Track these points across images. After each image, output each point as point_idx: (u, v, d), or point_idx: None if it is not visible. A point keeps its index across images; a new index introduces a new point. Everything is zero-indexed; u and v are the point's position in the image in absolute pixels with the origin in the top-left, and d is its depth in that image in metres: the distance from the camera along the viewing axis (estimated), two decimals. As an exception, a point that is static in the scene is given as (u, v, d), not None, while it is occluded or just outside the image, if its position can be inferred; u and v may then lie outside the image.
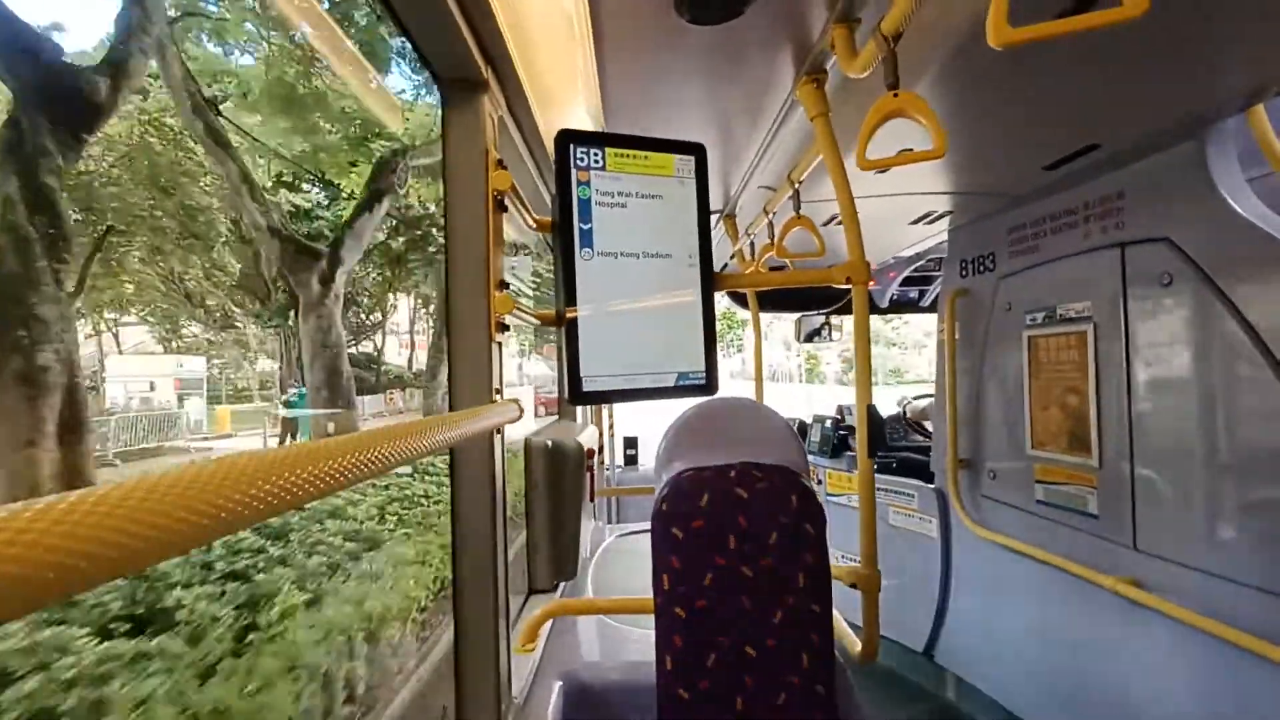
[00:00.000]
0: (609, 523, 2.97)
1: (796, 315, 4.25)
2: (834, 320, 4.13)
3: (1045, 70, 1.30)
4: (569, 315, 1.14)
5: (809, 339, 4.13)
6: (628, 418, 4.08)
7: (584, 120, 1.43)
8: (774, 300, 3.88)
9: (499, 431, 1.00)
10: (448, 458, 1.00)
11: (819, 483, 3.51)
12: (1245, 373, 1.48)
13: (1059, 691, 2.11)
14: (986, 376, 2.46)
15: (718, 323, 1.33)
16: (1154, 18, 1.12)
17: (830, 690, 1.02)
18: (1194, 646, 1.61)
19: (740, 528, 1.02)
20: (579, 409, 2.42)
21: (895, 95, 0.97)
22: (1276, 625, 1.40)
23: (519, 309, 1.14)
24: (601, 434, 2.93)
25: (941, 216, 2.48)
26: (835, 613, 1.46)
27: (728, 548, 1.01)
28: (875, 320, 4.19)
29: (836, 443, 3.46)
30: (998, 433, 2.40)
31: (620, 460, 3.86)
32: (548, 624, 1.46)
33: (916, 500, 2.88)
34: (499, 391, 1.00)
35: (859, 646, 1.31)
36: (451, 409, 0.95)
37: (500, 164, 0.99)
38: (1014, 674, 2.33)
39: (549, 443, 1.57)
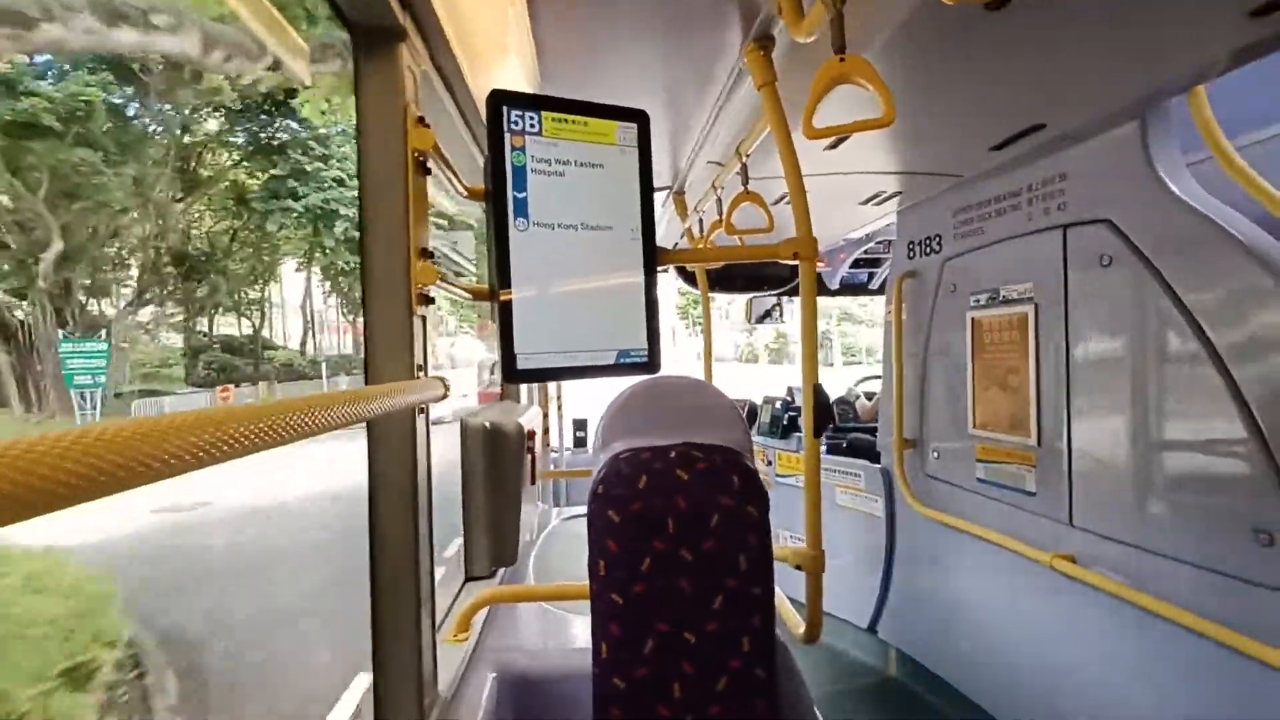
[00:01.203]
0: (555, 505, 2.93)
1: (749, 296, 4.25)
2: (786, 302, 4.15)
3: (994, 46, 1.28)
4: (502, 290, 1.08)
5: (761, 320, 4.14)
6: (578, 399, 4.02)
7: (521, 85, 1.35)
8: (726, 280, 3.86)
9: (422, 410, 0.93)
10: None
11: (769, 464, 3.53)
12: (1179, 353, 1.51)
13: (995, 664, 2.17)
14: (932, 358, 2.49)
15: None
16: (1117, 2, 1.11)
17: (771, 673, 0.99)
18: (1125, 619, 1.66)
19: (680, 510, 0.98)
20: (523, 389, 2.35)
21: (842, 60, 0.93)
22: (1202, 598, 1.45)
23: (447, 282, 1.07)
24: (548, 415, 2.86)
25: (891, 197, 2.49)
26: (779, 593, 1.45)
27: (667, 531, 0.97)
28: (844, 299, 4.24)
29: (786, 424, 3.48)
30: (942, 413, 2.44)
31: (570, 443, 3.80)
32: (483, 614, 1.41)
33: (863, 480, 2.92)
34: (422, 368, 0.93)
35: (803, 627, 1.30)
36: (367, 385, 0.88)
37: (422, 122, 0.91)
38: (952, 648, 2.40)
39: (486, 424, 1.50)
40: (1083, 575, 1.73)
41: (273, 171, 19.84)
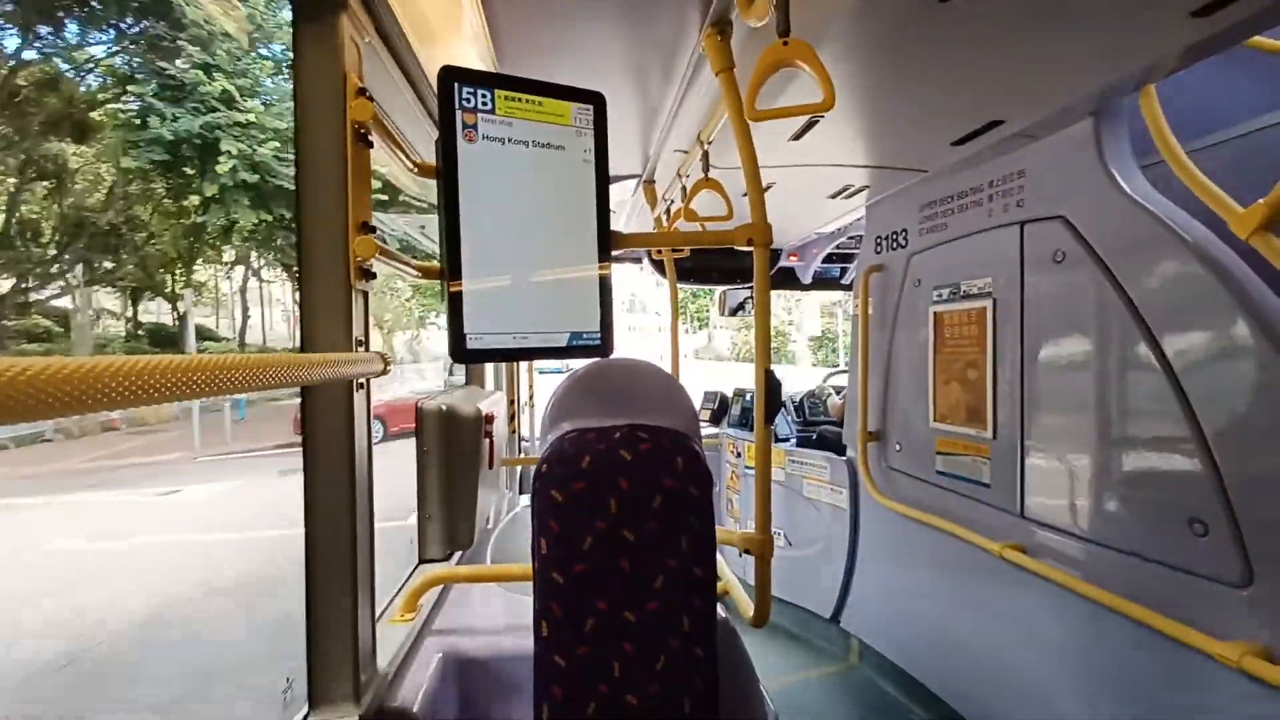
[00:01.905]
0: (521, 492, 2.92)
1: (723, 288, 4.26)
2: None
3: (950, 39, 1.29)
4: (452, 269, 1.07)
5: (734, 312, 4.15)
6: (551, 389, 4.00)
7: (476, 64, 1.34)
8: (700, 273, 3.87)
9: (361, 386, 0.92)
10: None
11: (738, 455, 3.55)
12: (1127, 349, 1.55)
13: (952, 654, 2.21)
14: (897, 352, 2.52)
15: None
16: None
17: (710, 653, 1.00)
18: (1072, 608, 1.70)
19: (622, 491, 0.98)
20: (489, 374, 2.34)
21: (785, 43, 0.93)
22: (1144, 587, 1.49)
23: (394, 259, 1.06)
24: (516, 400, 2.85)
25: (859, 191, 2.51)
26: (731, 577, 1.45)
27: (609, 511, 0.98)
28: (836, 293, 4.27)
29: (756, 416, 3.50)
30: (905, 406, 2.47)
31: (540, 432, 3.78)
32: (434, 595, 1.40)
33: (829, 472, 2.95)
34: (362, 343, 0.92)
35: (752, 610, 1.31)
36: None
37: (364, 93, 0.90)
38: (910, 638, 2.44)
39: (442, 407, 1.50)
40: (1031, 565, 1.77)
41: (132, 89, 14.89)
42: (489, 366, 2.41)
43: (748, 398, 3.60)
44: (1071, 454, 1.71)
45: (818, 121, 1.73)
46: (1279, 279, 1.28)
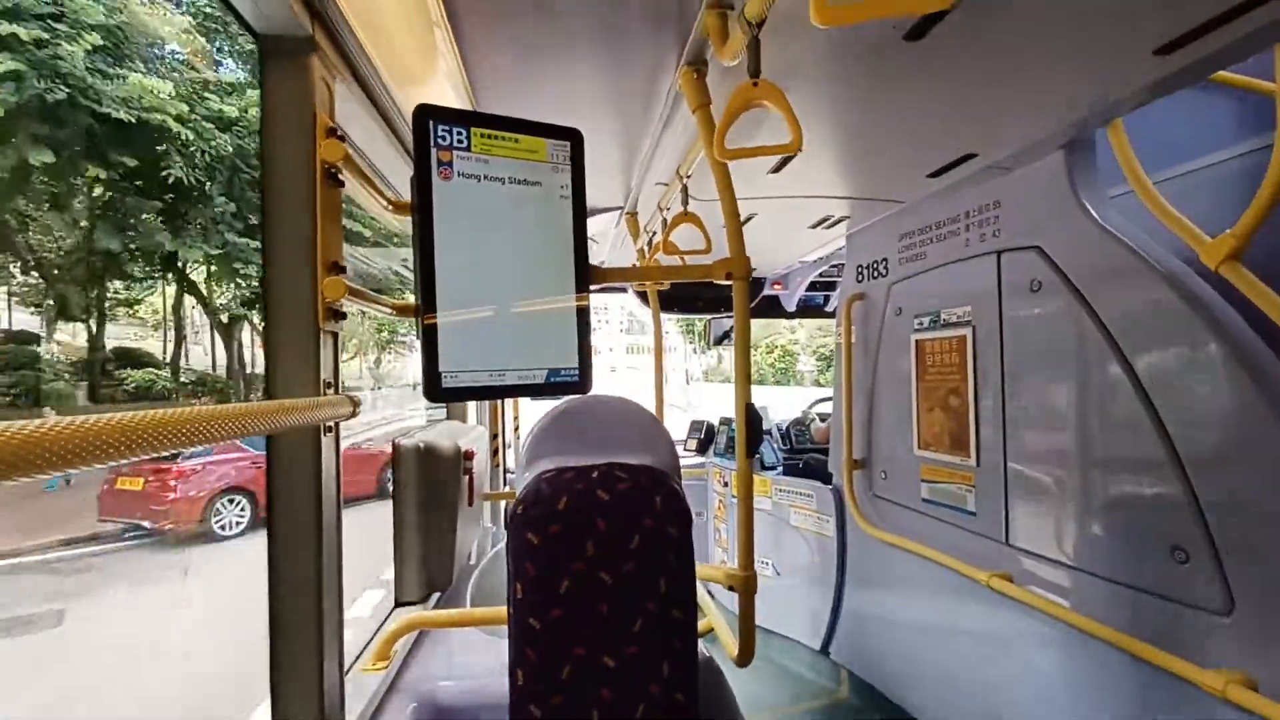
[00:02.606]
0: (505, 526, 2.87)
1: (708, 317, 4.28)
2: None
3: (921, 76, 1.32)
4: (426, 306, 1.06)
5: (719, 342, 4.16)
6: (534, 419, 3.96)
7: (453, 102, 1.34)
8: (685, 302, 3.88)
9: (329, 430, 0.90)
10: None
11: (725, 484, 3.52)
12: (1103, 375, 1.56)
13: (941, 685, 2.17)
14: (880, 379, 2.52)
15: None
16: (1017, 36, 1.16)
17: (692, 698, 0.97)
18: (1060, 637, 1.68)
19: (600, 531, 0.96)
20: (470, 410, 2.31)
21: (755, 84, 0.94)
22: (1128, 615, 1.48)
23: (365, 298, 1.04)
24: (499, 434, 2.82)
25: (839, 221, 2.54)
26: (715, 614, 1.43)
27: (586, 553, 0.95)
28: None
29: (743, 445, 3.48)
30: (889, 434, 2.47)
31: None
32: (408, 641, 1.36)
33: (815, 501, 2.93)
34: (330, 385, 0.90)
35: (737, 649, 1.28)
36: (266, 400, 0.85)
37: (334, 133, 0.89)
38: (902, 669, 2.40)
39: (420, 444, 1.47)
40: (1019, 594, 1.75)
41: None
42: (470, 401, 2.38)
43: (733, 427, 3.59)
44: (1055, 481, 1.71)
45: (794, 156, 1.76)
46: (1247, 305, 1.30)
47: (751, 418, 1.29)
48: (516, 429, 3.56)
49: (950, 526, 2.10)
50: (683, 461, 3.99)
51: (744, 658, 1.28)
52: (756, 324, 4.43)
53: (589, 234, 3.12)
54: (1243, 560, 1.26)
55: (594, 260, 3.71)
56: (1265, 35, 1.11)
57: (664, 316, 3.64)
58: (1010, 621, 1.85)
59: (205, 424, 0.50)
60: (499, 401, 2.89)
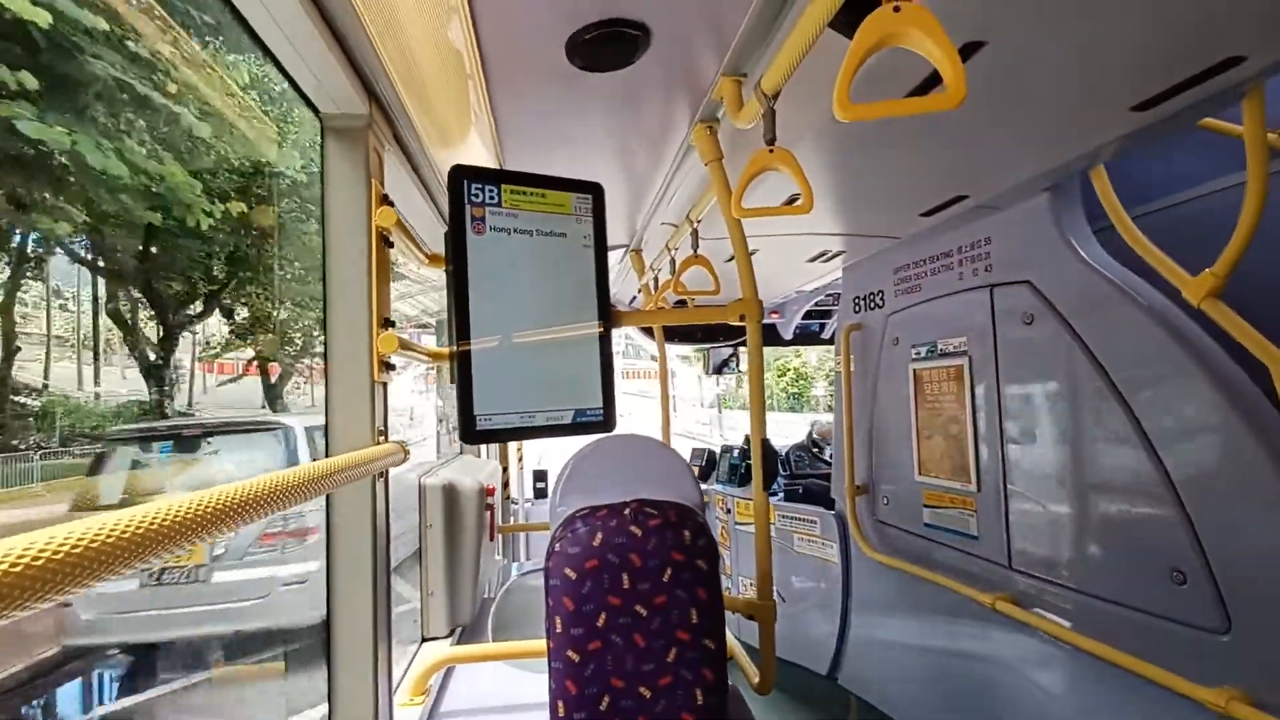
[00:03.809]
0: (514, 560, 2.89)
1: (708, 346, 4.36)
2: (743, 352, 4.27)
3: (916, 130, 1.41)
4: (461, 353, 1.12)
5: (719, 370, 4.24)
6: (538, 450, 4.01)
7: (482, 157, 1.42)
8: (682, 333, 3.97)
9: (382, 475, 0.96)
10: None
11: (728, 511, 3.57)
12: (1094, 402, 1.64)
13: (947, 708, 2.21)
14: (879, 406, 2.60)
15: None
16: (1003, 94, 1.25)
17: None
18: (1066, 659, 1.73)
19: (634, 566, 1.01)
20: (483, 446, 2.36)
21: (771, 151, 1.02)
22: (1130, 636, 1.53)
23: (409, 347, 1.11)
24: (508, 468, 2.86)
25: (835, 255, 2.63)
26: (735, 642, 1.47)
27: (621, 587, 1.01)
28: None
29: (744, 472, 3.54)
30: (890, 460, 2.53)
31: (530, 494, 3.78)
32: (439, 674, 1.39)
33: (819, 526, 2.98)
34: (383, 434, 0.96)
35: (758, 677, 1.33)
36: (328, 453, 0.90)
37: (385, 200, 0.96)
38: (909, 693, 2.43)
39: (445, 483, 1.52)
40: (1023, 617, 1.80)
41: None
42: None
43: (735, 454, 3.65)
44: (1054, 506, 1.77)
45: (796, 199, 1.85)
46: (1228, 335, 1.38)
47: (767, 452, 1.35)
48: (520, 459, 3.60)
49: (953, 550, 2.16)
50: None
51: (765, 685, 1.32)
52: (766, 349, 4.51)
53: None
54: (1237, 580, 1.33)
55: None
56: (1233, 93, 1.21)
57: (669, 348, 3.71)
58: (1015, 644, 1.90)
59: (266, 497, 0.51)
60: None
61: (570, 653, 0.99)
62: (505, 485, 2.75)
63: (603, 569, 1.00)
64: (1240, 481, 1.32)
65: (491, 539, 1.65)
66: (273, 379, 13.04)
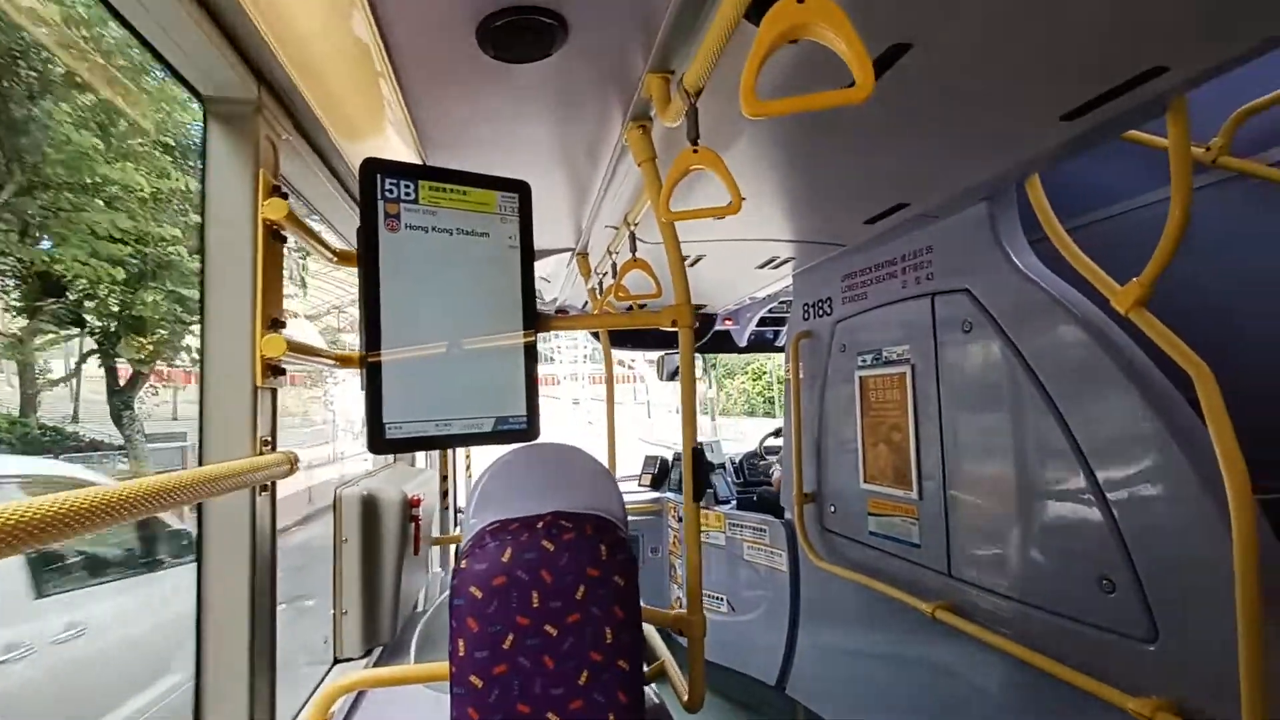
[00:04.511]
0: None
1: (662, 353, 4.33)
2: (696, 359, 4.25)
3: (852, 133, 1.40)
4: (370, 357, 1.06)
5: (672, 377, 4.20)
6: (493, 455, 3.90)
7: (404, 154, 1.36)
8: (635, 339, 3.92)
9: (265, 488, 0.88)
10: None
11: (679, 520, 3.53)
12: (1029, 411, 1.64)
13: (893, 718, 2.20)
14: (828, 414, 2.59)
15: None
16: (931, 102, 1.24)
17: None
18: (1004, 668, 1.73)
19: (545, 583, 0.96)
20: (420, 454, 2.27)
21: (695, 151, 0.99)
22: (1069, 646, 1.53)
23: (309, 352, 1.03)
24: (448, 478, 2.77)
25: (785, 262, 2.63)
26: (667, 656, 1.43)
27: (531, 606, 0.95)
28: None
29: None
30: (837, 468, 2.53)
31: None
32: (347, 699, 1.31)
33: (767, 535, 2.96)
34: (268, 443, 0.89)
35: (687, 694, 1.28)
36: (201, 462, 0.82)
37: (277, 191, 0.89)
38: (855, 704, 2.42)
39: (364, 494, 1.44)
40: (962, 625, 1.80)
41: None
42: None
43: (687, 462, 3.61)
44: (991, 514, 1.78)
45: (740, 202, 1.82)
46: (1153, 344, 1.40)
47: (698, 462, 1.31)
48: (469, 469, 3.50)
49: (896, 559, 2.15)
50: (638, 497, 3.99)
51: (694, 703, 1.28)
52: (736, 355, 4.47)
53: (542, 274, 3.14)
54: (1163, 589, 1.34)
55: (548, 298, 3.74)
56: (1158, 103, 1.22)
57: (635, 353, 3.67)
58: (955, 652, 1.90)
59: (126, 502, 0.49)
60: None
61: (473, 678, 0.93)
62: (444, 495, 2.65)
63: (511, 586, 0.95)
64: (1165, 489, 1.33)
65: (417, 552, 1.57)
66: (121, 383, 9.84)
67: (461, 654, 0.93)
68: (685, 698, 1.28)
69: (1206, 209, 1.87)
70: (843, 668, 2.49)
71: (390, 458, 2.24)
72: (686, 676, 1.29)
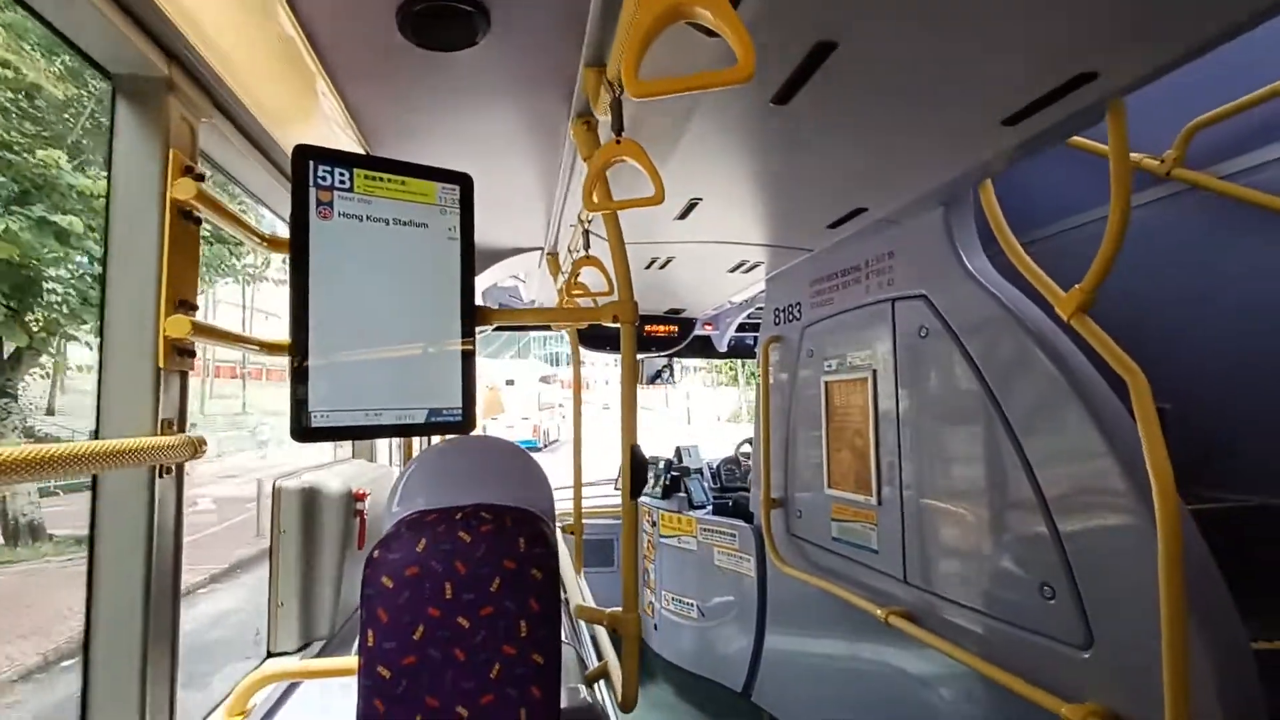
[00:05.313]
0: None
1: (645, 356, 4.32)
2: (676, 363, 4.24)
3: (806, 135, 1.40)
4: (298, 343, 1.05)
5: (653, 380, 4.20)
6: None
7: (345, 144, 1.35)
8: (606, 339, 3.91)
9: (167, 471, 0.87)
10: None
11: (653, 524, 3.52)
12: (981, 419, 1.64)
13: None
14: (795, 419, 2.58)
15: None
16: (875, 104, 1.25)
17: None
18: (950, 673, 1.72)
19: (459, 574, 0.95)
20: (381, 448, 2.26)
21: (618, 142, 0.99)
22: (1011, 652, 1.52)
23: (223, 336, 1.02)
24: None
25: (755, 266, 2.63)
26: (611, 657, 1.41)
27: (443, 597, 0.94)
28: None
29: (668, 484, 3.50)
30: (804, 473, 2.52)
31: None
32: (269, 692, 1.28)
33: (737, 540, 2.95)
34: (172, 425, 0.87)
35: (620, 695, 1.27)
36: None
37: (190, 172, 0.89)
38: (817, 711, 2.40)
39: (304, 486, 1.43)
40: (914, 631, 1.79)
41: None
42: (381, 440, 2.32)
43: (660, 466, 3.60)
44: (943, 520, 1.77)
45: (696, 204, 1.82)
46: (1095, 351, 1.40)
47: (636, 460, 1.30)
48: None
49: (857, 565, 2.14)
50: (609, 501, 3.97)
51: (628, 703, 1.26)
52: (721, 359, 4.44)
53: (516, 274, 3.14)
54: (1099, 596, 1.33)
55: (526, 298, 3.73)
56: (1094, 110, 1.22)
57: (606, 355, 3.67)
58: (910, 658, 1.89)
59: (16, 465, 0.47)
60: (413, 439, 2.83)
61: (381, 669, 0.91)
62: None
63: (423, 577, 0.93)
64: (1102, 497, 1.32)
65: (361, 547, 1.56)
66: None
67: (370, 645, 0.92)
68: (619, 699, 1.27)
69: (1161, 221, 1.88)
70: (807, 675, 2.47)
71: (349, 451, 2.23)
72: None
